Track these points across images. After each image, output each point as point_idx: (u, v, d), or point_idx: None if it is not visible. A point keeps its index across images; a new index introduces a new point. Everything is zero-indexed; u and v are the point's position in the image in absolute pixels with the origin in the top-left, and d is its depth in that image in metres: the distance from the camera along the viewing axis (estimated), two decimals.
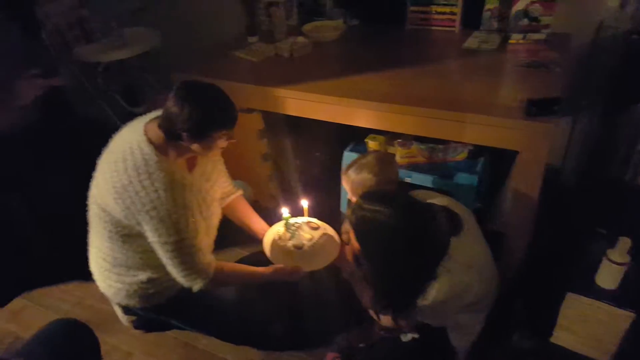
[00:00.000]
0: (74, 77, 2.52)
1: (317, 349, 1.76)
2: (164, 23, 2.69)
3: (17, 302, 2.10)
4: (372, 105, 1.76)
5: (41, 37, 2.46)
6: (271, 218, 1.84)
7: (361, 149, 1.99)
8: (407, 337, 1.57)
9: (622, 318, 1.31)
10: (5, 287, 2.11)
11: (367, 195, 1.31)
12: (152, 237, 1.43)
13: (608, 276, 1.33)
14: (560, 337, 1.44)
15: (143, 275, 1.59)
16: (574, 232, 1.72)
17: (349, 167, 1.59)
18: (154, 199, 1.37)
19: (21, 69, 1.85)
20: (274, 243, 1.69)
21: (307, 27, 2.29)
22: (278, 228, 1.74)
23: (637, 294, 1.32)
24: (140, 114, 1.55)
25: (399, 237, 1.23)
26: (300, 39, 2.16)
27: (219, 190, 1.72)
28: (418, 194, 1.52)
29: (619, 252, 1.29)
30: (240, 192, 1.83)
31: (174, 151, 1.44)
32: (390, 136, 1.93)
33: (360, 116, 1.81)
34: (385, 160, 1.61)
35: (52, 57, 2.42)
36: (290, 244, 1.67)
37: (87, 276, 1.69)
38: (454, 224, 1.35)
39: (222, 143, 1.46)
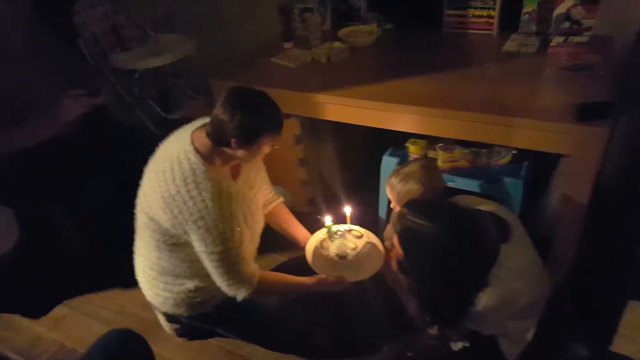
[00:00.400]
0: (111, 86, 2.55)
1: (363, 358, 1.74)
2: (194, 29, 2.71)
3: (58, 310, 2.10)
4: (413, 109, 1.75)
5: (78, 46, 2.50)
6: (307, 223, 1.83)
7: (400, 153, 1.98)
8: (457, 346, 1.55)
9: None
10: (47, 295, 2.13)
11: (413, 206, 1.29)
12: (198, 247, 1.43)
13: None
14: (622, 345, 1.41)
15: (190, 284, 1.59)
16: (624, 237, 1.69)
17: (393, 176, 1.58)
18: (202, 209, 1.37)
19: (63, 81, 1.89)
20: (317, 252, 1.68)
21: (342, 32, 2.28)
22: (320, 236, 1.73)
23: None
24: (175, 120, 1.56)
25: (444, 251, 1.21)
26: (337, 44, 2.15)
27: (262, 198, 1.72)
28: (463, 200, 1.50)
29: None
30: (281, 199, 1.83)
31: (219, 159, 1.44)
32: (431, 140, 1.92)
33: (401, 121, 1.80)
34: (431, 168, 1.60)
35: (90, 67, 2.45)
36: (333, 253, 1.65)
37: (127, 283, 1.68)
38: (503, 231, 1.33)
39: (267, 149, 1.46)
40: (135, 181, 1.53)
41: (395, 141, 2.02)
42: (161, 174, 1.41)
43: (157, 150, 1.52)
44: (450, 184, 1.85)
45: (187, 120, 1.54)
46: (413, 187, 1.53)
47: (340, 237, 1.70)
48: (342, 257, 1.64)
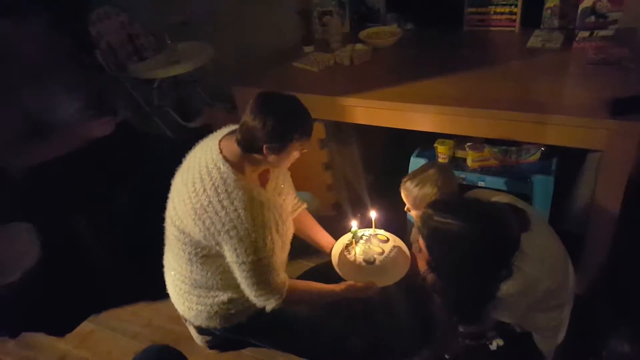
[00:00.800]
0: (128, 97, 2.56)
1: None
2: (210, 36, 2.71)
3: (84, 327, 2.07)
4: (440, 109, 1.74)
5: (96, 57, 2.50)
6: (332, 228, 1.82)
7: (428, 154, 1.97)
8: (494, 346, 1.54)
9: None
10: (72, 311, 2.10)
11: (437, 206, 1.29)
12: (230, 257, 1.41)
13: None
14: None
15: (224, 296, 1.57)
16: None
17: (408, 180, 1.58)
18: (234, 219, 1.35)
19: (82, 94, 1.90)
20: (343, 257, 1.66)
21: (363, 33, 2.27)
22: (345, 241, 1.71)
23: None
24: (195, 128, 1.55)
25: (473, 247, 1.21)
26: (359, 46, 2.15)
27: (290, 204, 1.71)
28: (480, 194, 1.50)
29: None
30: (304, 205, 1.81)
31: (249, 166, 1.43)
32: (459, 140, 1.90)
33: (428, 121, 1.79)
34: (446, 171, 1.60)
35: (108, 77, 2.46)
36: (360, 258, 1.64)
37: (153, 296, 1.65)
38: (522, 221, 1.33)
39: (298, 154, 1.45)
40: (159, 192, 1.52)
41: (422, 141, 2.00)
42: (191, 185, 1.40)
43: (184, 161, 1.51)
44: (481, 184, 1.84)
45: (207, 127, 1.52)
46: (429, 191, 1.53)
47: (366, 241, 1.70)
48: (369, 262, 1.62)
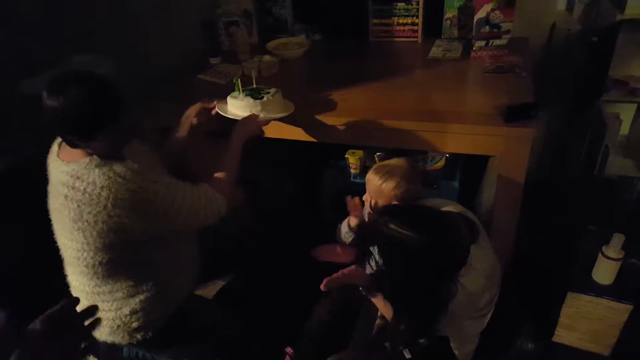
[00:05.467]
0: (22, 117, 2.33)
1: None
2: (112, 48, 2.55)
3: None
4: (349, 121, 1.73)
5: None
6: None
7: (340, 164, 1.97)
8: (408, 354, 1.55)
9: (622, 311, 1.35)
10: None
11: (395, 213, 1.26)
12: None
13: (605, 272, 1.37)
14: (563, 335, 1.47)
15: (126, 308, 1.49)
16: (556, 230, 1.77)
17: (377, 170, 1.53)
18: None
19: None
20: (230, 101, 1.68)
21: (271, 44, 2.24)
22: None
23: (633, 285, 1.36)
24: None
25: (426, 258, 1.19)
26: (267, 57, 2.10)
27: None
28: (430, 202, 1.49)
29: (614, 248, 1.33)
30: None
31: None
32: (369, 150, 1.92)
33: (337, 133, 1.78)
34: (416, 167, 1.58)
35: None
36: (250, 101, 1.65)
37: None
38: (472, 233, 1.34)
39: None
40: None
41: (334, 153, 2.00)
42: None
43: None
44: None
45: None
46: (397, 183, 1.48)
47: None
48: (257, 98, 1.64)
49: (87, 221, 1.26)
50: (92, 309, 1.07)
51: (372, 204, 1.56)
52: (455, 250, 1.21)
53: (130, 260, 1.40)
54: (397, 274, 1.26)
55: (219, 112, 1.65)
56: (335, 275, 1.43)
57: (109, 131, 1.28)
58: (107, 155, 1.31)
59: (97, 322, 1.08)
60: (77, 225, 1.28)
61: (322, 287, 1.40)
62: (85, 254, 1.34)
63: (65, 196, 1.28)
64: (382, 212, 1.29)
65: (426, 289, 1.24)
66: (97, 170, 1.27)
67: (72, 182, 1.27)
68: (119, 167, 1.28)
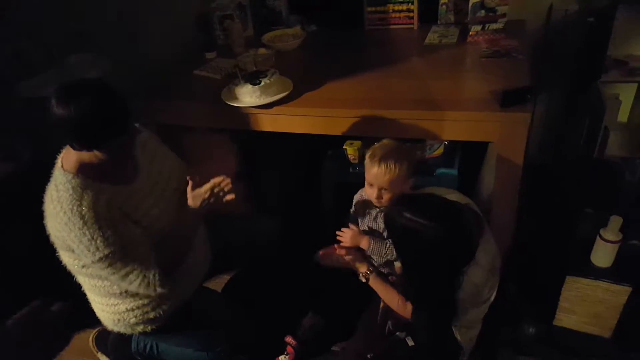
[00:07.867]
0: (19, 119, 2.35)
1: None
2: (108, 46, 2.56)
3: None
4: (346, 112, 1.73)
5: None
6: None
7: (340, 154, 1.97)
8: (411, 341, 1.56)
9: (621, 293, 1.36)
10: None
11: (408, 203, 1.26)
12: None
13: (603, 255, 1.37)
14: (563, 319, 1.48)
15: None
16: (556, 214, 1.77)
17: (374, 153, 1.49)
18: None
19: None
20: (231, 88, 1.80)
21: (266, 37, 2.23)
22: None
23: (632, 267, 1.36)
24: None
25: (443, 249, 1.21)
26: (263, 50, 2.10)
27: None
28: (434, 190, 1.49)
29: (612, 231, 1.33)
30: None
31: None
32: (367, 140, 1.92)
33: (335, 125, 1.78)
34: (404, 146, 1.55)
35: None
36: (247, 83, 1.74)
37: None
38: (480, 225, 1.34)
39: None
40: None
41: (332, 144, 2.00)
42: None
43: None
44: None
45: None
46: (394, 165, 1.44)
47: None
48: (255, 84, 1.73)
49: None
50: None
51: (379, 195, 1.50)
52: (468, 240, 1.23)
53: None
54: (412, 265, 1.28)
55: (225, 101, 1.69)
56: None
57: (114, 140, 1.28)
58: (108, 162, 1.31)
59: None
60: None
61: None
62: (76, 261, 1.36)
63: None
64: (395, 203, 1.29)
65: (440, 281, 1.25)
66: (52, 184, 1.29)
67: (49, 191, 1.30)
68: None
